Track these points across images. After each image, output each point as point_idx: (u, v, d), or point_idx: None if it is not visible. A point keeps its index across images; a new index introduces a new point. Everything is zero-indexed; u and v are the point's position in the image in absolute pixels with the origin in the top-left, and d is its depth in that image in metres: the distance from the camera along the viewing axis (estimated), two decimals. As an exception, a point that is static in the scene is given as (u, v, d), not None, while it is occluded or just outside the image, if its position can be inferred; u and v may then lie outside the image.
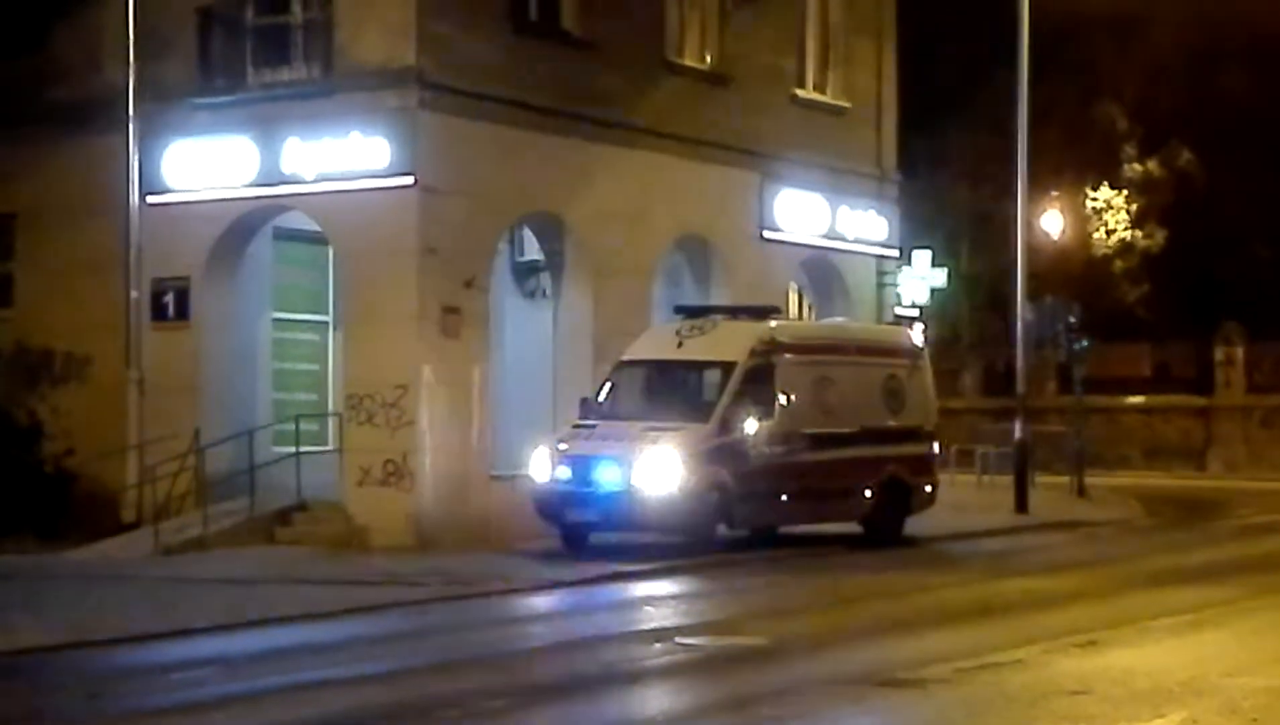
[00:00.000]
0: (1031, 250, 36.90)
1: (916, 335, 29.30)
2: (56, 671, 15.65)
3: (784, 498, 25.37)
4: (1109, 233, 53.74)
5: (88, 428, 26.77)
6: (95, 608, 19.03)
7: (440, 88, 25.47)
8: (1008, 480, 34.51)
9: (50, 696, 14.43)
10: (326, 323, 28.84)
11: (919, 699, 13.69)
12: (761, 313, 26.91)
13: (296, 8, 26.32)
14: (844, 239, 33.44)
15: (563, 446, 24.62)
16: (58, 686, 14.92)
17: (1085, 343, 37.31)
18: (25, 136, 27.49)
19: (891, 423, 27.29)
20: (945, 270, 36.84)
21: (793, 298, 33.74)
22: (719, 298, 29.95)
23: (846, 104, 33.82)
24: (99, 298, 27.28)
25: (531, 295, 30.05)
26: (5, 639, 16.72)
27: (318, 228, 26.80)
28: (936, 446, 28.73)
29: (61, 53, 27.68)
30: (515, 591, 21.21)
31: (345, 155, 25.61)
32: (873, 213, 34.19)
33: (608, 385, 25.71)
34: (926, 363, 28.72)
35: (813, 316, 33.64)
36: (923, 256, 35.88)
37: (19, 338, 27.69)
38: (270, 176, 26.25)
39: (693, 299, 29.83)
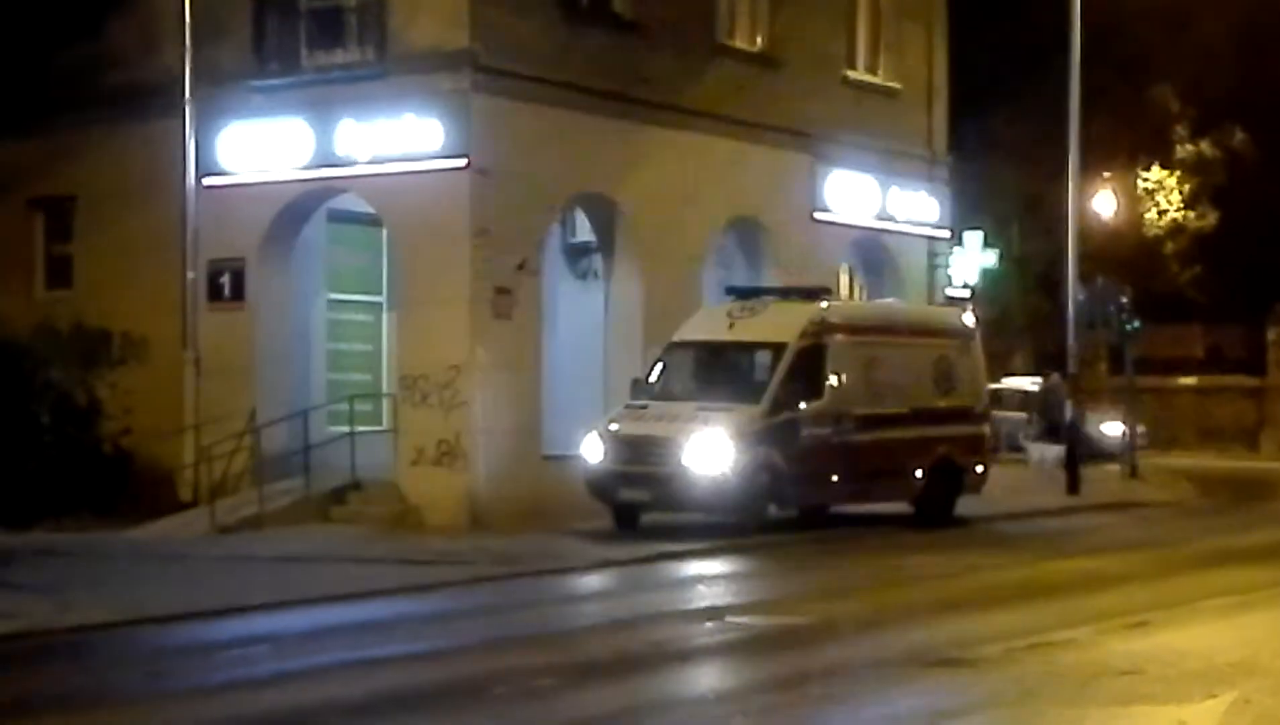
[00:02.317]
0: (1083, 231, 36.77)
1: (967, 316, 29.29)
2: (114, 648, 15.85)
3: (835, 478, 25.42)
4: (1161, 214, 53.41)
5: (145, 408, 26.98)
6: (152, 585, 19.25)
7: (493, 70, 25.57)
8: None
9: (108, 673, 14.62)
10: (380, 304, 29.03)
11: (970, 679, 13.74)
12: (813, 294, 26.94)
13: (351, -9, 26.46)
14: (895, 220, 33.44)
15: (614, 427, 24.72)
16: (116, 663, 15.12)
17: (1137, 324, 37.17)
18: (84, 121, 27.76)
19: (942, 403, 27.30)
20: (996, 251, 36.81)
21: (844, 279, 33.75)
22: (770, 279, 29.99)
23: (898, 85, 33.79)
24: (156, 279, 27.53)
25: (583, 276, 30.13)
26: (64, 616, 16.93)
27: (371, 210, 26.96)
28: (987, 427, 28.75)
29: (118, 38, 27.89)
30: (567, 570, 21.32)
31: (399, 137, 25.75)
32: (924, 194, 34.17)
33: (659, 366, 25.80)
34: (978, 343, 28.70)
35: (864, 297, 33.64)
36: (974, 238, 35.84)
37: (78, 318, 27.92)
38: (325, 159, 26.41)
39: (744, 280, 29.88)
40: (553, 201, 27.40)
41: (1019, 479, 34.43)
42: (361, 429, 26.43)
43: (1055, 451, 35.30)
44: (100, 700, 13.44)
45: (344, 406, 26.67)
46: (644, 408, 24.92)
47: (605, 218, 28.62)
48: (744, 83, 30.14)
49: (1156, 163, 53.21)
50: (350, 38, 26.23)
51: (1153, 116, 52.87)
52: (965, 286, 35.16)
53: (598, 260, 29.54)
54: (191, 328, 27.43)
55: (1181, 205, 53.30)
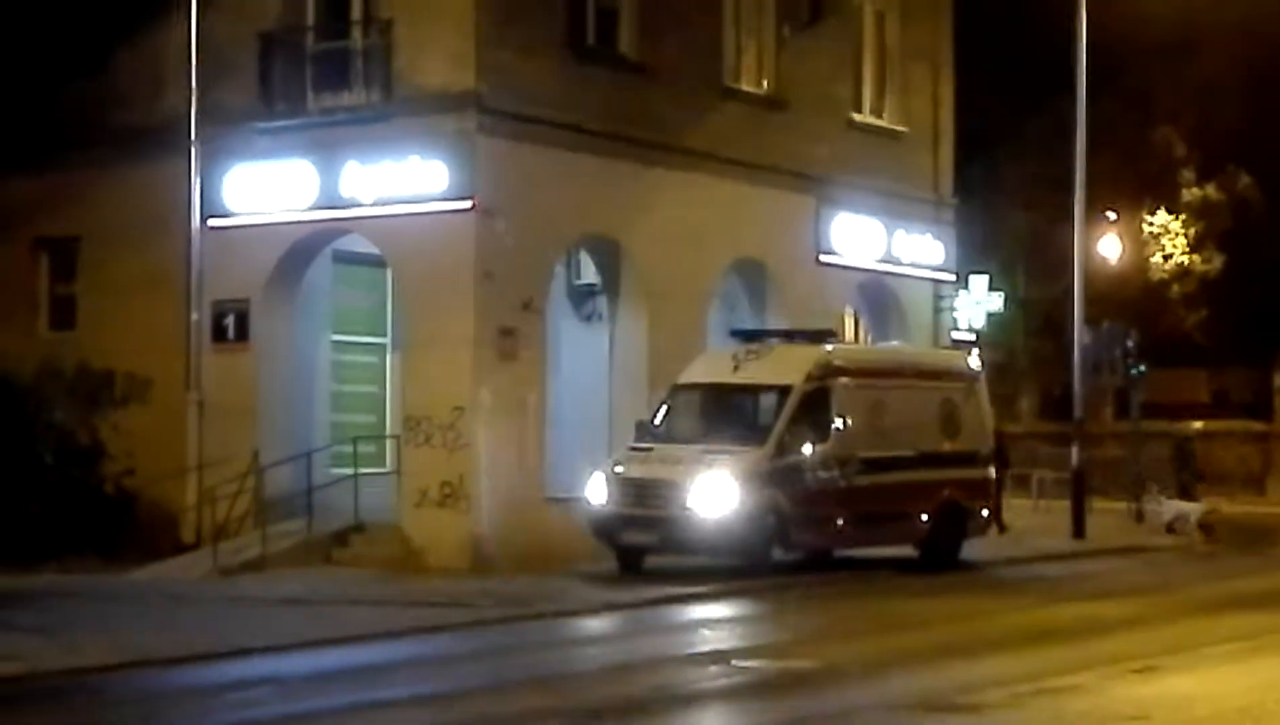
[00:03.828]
0: (1088, 275, 36.74)
1: (973, 359, 29.26)
2: (116, 691, 15.80)
3: (840, 521, 25.36)
4: (1166, 257, 53.43)
5: (148, 448, 26.96)
6: (154, 627, 19.20)
7: (498, 112, 25.61)
8: (1064, 505, 34.37)
9: (109, 715, 14.59)
10: (385, 345, 29.00)
11: (974, 724, 13.66)
12: (817, 337, 26.94)
13: (356, 33, 26.54)
14: (900, 263, 33.42)
15: (619, 469, 24.68)
16: (117, 705, 15.08)
17: (1142, 368, 37.08)
18: (89, 160, 27.78)
19: (948, 447, 27.25)
20: (1001, 294, 36.76)
21: (848, 322, 33.73)
22: (775, 322, 29.97)
23: (903, 128, 33.83)
24: (160, 320, 27.51)
25: (588, 318, 30.11)
26: (66, 658, 16.90)
27: (376, 251, 26.97)
28: (992, 471, 28.71)
29: (124, 77, 27.96)
30: (571, 613, 21.25)
31: (404, 179, 25.77)
32: (929, 237, 34.17)
33: (664, 408, 25.76)
34: (983, 387, 28.67)
35: (869, 341, 33.61)
36: (979, 281, 35.82)
37: (82, 359, 27.93)
38: (330, 200, 26.42)
39: (748, 323, 29.84)
40: (558, 243, 27.41)
41: (1025, 523, 34.36)
42: (365, 471, 26.38)
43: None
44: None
45: (347, 448, 26.62)
46: (649, 450, 24.88)
47: (610, 259, 28.62)
48: (750, 125, 30.18)
49: (1162, 207, 53.25)
50: (356, 80, 26.29)
51: (1158, 160, 52.94)
52: (970, 329, 35.12)
53: (602, 302, 29.53)
54: (195, 368, 27.40)
55: (1187, 249, 53.32)
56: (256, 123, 26.91)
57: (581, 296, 30.17)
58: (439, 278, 25.71)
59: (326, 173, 26.37)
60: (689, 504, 23.79)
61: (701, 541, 24.00)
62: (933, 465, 26.79)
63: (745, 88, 30.51)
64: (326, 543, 25.78)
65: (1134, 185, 51.82)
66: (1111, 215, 49.36)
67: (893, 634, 19.72)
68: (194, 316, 27.34)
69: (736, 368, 25.81)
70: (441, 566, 25.04)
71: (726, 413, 25.62)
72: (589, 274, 29.63)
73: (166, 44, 27.58)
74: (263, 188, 27.01)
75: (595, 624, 20.99)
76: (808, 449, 24.86)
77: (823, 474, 25.05)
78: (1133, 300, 49.82)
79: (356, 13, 26.66)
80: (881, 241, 32.88)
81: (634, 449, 25.15)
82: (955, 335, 34.87)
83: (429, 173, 25.61)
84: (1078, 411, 34.62)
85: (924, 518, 26.57)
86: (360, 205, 26.19)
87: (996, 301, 36.30)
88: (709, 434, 25.02)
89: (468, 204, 25.44)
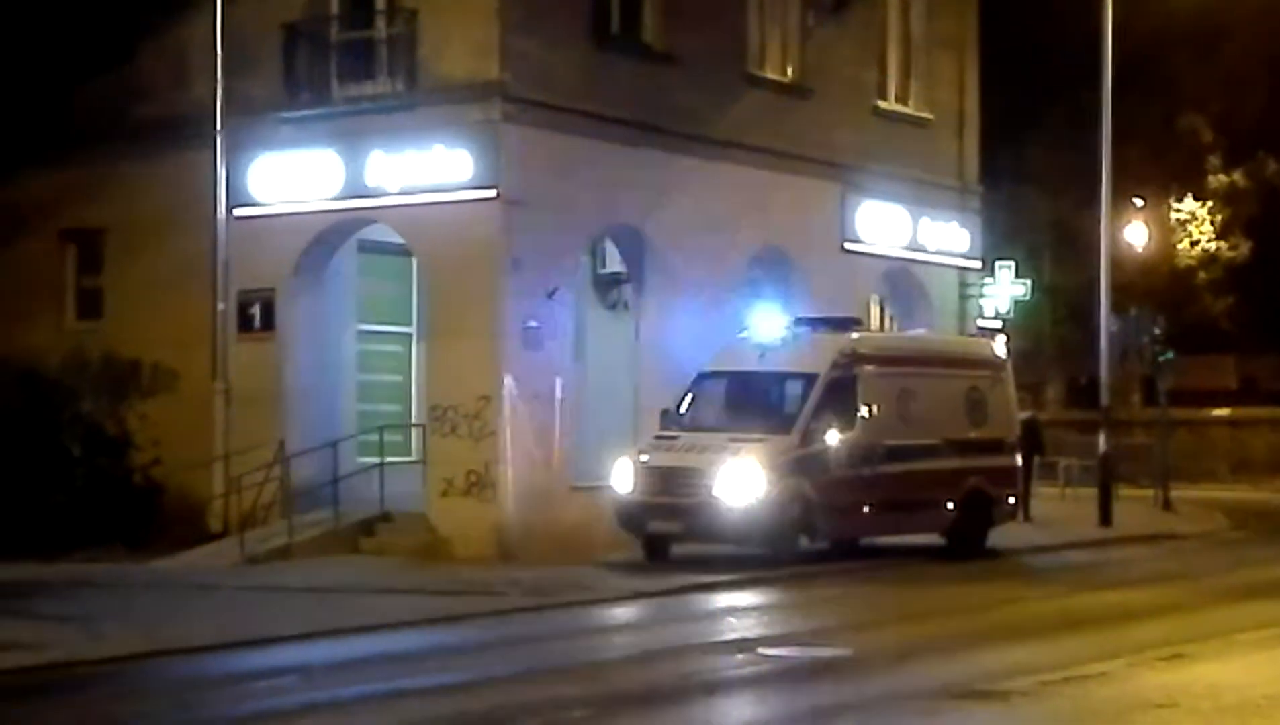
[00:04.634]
0: (1115, 262, 36.65)
1: (999, 347, 29.18)
2: (145, 679, 15.85)
3: (866, 509, 25.33)
4: (1193, 244, 53.28)
5: (175, 438, 27.06)
6: (182, 616, 19.26)
7: (523, 101, 25.61)
8: (1091, 493, 34.29)
9: (137, 705, 14.60)
10: (410, 334, 29.03)
11: (1002, 712, 13.65)
12: (843, 324, 26.87)
13: (381, 23, 26.57)
14: (926, 251, 33.38)
15: (644, 458, 24.68)
16: (146, 694, 15.11)
17: (1170, 355, 37.01)
18: (114, 152, 27.85)
19: (974, 434, 27.20)
20: (1028, 282, 36.67)
21: (874, 309, 33.67)
22: (800, 309, 29.88)
23: (928, 116, 33.75)
24: (186, 310, 27.58)
25: (613, 307, 30.11)
26: (93, 647, 16.95)
27: (401, 240, 27.00)
28: (1019, 458, 28.63)
29: (149, 69, 28.02)
30: (597, 602, 21.26)
31: (429, 168, 25.80)
32: (955, 224, 34.11)
33: (689, 397, 25.75)
34: (1009, 374, 28.60)
35: (894, 328, 33.55)
36: (1005, 268, 35.74)
37: (108, 349, 28.02)
38: (355, 189, 26.46)
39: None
40: (582, 232, 27.40)
41: (1052, 511, 34.29)
42: (391, 460, 26.43)
43: None
44: (128, 731, 13.45)
45: (373, 437, 26.68)
46: (674, 438, 24.88)
47: (635, 248, 28.61)
48: (774, 113, 30.14)
49: (1189, 194, 53.09)
50: (380, 69, 26.33)
51: (1185, 147, 52.78)
52: (996, 317, 35.02)
53: (628, 291, 29.53)
54: (221, 358, 27.47)
55: (1214, 235, 53.16)
56: (281, 113, 26.95)
57: (606, 285, 30.16)
58: (464, 267, 25.73)
59: (351, 162, 26.40)
60: (715, 492, 23.79)
61: (727, 529, 23.99)
62: (959, 453, 26.75)
63: (770, 75, 30.47)
64: (353, 532, 25.83)
65: (1161, 172, 51.69)
66: (1138, 202, 49.25)
67: (919, 622, 19.69)
68: (220, 306, 27.41)
69: (762, 355, 25.78)
70: (468, 555, 25.08)
71: (752, 400, 25.59)
72: (614, 262, 29.62)
73: (191, 35, 27.64)
74: (288, 177, 27.05)
75: (621, 612, 20.99)
76: (833, 437, 24.83)
77: (849, 462, 25.02)
78: (1160, 287, 49.74)
79: (381, 2, 26.69)
80: (907, 229, 32.84)
81: (659, 437, 25.15)
82: (981, 322, 34.78)
83: (453, 162, 25.62)
84: (1105, 399, 34.54)
85: (950, 506, 26.53)
86: (385, 194, 26.22)
87: (1022, 289, 36.19)
88: (735, 422, 25.00)
89: (492, 193, 25.45)
